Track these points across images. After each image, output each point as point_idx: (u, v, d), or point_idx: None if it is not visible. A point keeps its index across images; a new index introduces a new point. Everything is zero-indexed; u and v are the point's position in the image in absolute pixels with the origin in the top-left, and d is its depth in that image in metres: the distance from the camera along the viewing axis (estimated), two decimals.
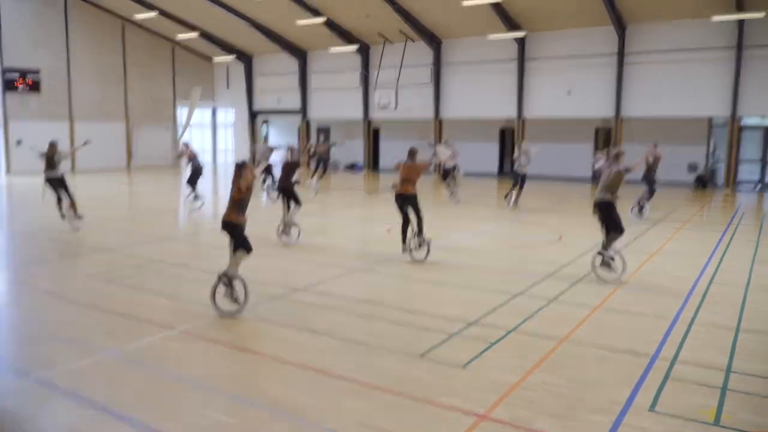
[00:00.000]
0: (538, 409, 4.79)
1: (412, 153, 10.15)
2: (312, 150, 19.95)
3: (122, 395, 5.05)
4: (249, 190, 7.05)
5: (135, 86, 30.31)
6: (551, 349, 6.01)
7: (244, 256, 7.08)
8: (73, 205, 12.35)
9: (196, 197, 15.31)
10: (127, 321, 6.88)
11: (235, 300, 7.01)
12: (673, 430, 4.45)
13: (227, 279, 7.01)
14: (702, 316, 7.09)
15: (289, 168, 11.32)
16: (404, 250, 9.90)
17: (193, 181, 15.16)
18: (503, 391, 5.09)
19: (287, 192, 11.25)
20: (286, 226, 11.21)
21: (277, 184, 11.58)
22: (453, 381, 5.31)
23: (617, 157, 8.87)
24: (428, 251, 9.83)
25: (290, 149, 11.67)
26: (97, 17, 28.44)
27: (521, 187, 15.84)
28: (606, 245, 8.78)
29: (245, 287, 7.05)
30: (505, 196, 16.30)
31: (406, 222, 9.97)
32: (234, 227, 7.06)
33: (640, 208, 14.19)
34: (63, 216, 12.36)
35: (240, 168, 6.98)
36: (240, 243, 7.04)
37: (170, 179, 24.67)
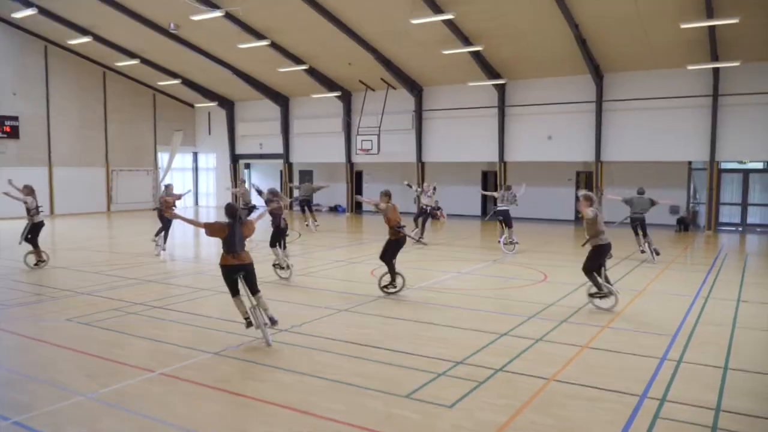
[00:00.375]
0: None
1: (389, 194, 10.55)
2: (294, 193, 20.16)
3: None
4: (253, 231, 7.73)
5: (116, 132, 30.32)
6: (539, 389, 5.93)
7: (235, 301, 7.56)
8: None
9: (158, 244, 15.00)
10: (106, 364, 6.69)
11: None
12: None
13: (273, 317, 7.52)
14: (689, 355, 7.07)
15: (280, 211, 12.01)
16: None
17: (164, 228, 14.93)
18: (492, 431, 4.98)
19: (283, 234, 12.20)
20: (283, 266, 11.85)
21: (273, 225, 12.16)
22: (440, 421, 5.20)
23: (586, 199, 9.20)
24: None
25: (275, 195, 12.18)
26: (77, 65, 28.60)
27: (510, 226, 15.72)
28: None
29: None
30: (502, 243, 15.89)
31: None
32: (252, 268, 7.48)
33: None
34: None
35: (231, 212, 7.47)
36: (256, 283, 7.50)
37: (150, 223, 24.40)
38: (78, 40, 25.04)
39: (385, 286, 10.36)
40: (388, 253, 10.28)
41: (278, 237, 11.99)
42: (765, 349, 7.39)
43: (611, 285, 9.36)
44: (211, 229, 7.45)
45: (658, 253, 14.35)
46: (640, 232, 14.45)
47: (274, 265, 11.95)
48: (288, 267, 11.81)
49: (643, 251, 14.62)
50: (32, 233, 12.90)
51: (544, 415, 5.33)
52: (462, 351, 7.12)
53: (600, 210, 9.49)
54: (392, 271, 10.30)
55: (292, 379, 6.23)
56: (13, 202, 12.96)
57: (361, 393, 5.83)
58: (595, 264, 9.24)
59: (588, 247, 9.40)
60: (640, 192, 14.62)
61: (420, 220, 17.57)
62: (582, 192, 9.46)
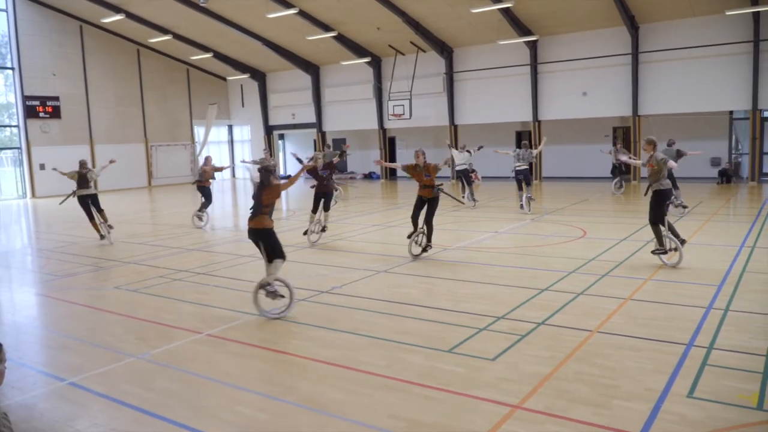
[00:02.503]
0: (573, 398, 4.68)
1: (422, 153, 10.41)
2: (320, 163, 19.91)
3: (154, 396, 5.06)
4: (279, 196, 7.24)
5: (152, 108, 30.82)
6: (583, 341, 5.90)
7: (281, 264, 7.19)
8: (104, 218, 13.04)
9: (201, 216, 15.17)
10: (155, 327, 6.91)
11: (281, 296, 7.07)
12: (714, 415, 4.32)
13: (270, 287, 7.08)
14: (736, 303, 6.93)
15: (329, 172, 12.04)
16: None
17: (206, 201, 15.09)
18: (536, 382, 4.99)
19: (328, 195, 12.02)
20: (315, 230, 11.92)
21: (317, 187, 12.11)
22: (484, 374, 5.23)
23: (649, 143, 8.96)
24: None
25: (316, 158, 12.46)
26: (112, 44, 28.99)
27: (528, 184, 15.42)
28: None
29: (288, 286, 7.11)
30: (521, 207, 15.58)
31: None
32: (268, 234, 7.13)
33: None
34: (102, 235, 12.97)
35: (268, 174, 7.16)
36: (276, 251, 7.13)
37: (190, 196, 24.88)
38: (111, 18, 25.30)
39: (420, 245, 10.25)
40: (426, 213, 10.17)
41: (317, 200, 12.00)
42: None
43: (678, 238, 8.82)
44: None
45: (685, 206, 14.10)
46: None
47: (304, 233, 12.03)
48: (322, 231, 11.96)
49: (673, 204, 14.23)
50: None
51: (589, 365, 5.31)
52: (502, 306, 7.12)
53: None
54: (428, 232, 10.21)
55: (333, 337, 6.34)
56: (54, 180, 13.29)
57: (403, 349, 5.89)
58: (659, 212, 8.79)
59: (649, 197, 9.02)
60: (669, 144, 14.29)
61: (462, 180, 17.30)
62: (646, 138, 9.11)
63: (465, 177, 17.04)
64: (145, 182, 30.48)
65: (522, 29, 23.02)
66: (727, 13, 19.15)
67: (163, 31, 27.27)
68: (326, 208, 12.02)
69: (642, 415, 4.36)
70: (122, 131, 29.49)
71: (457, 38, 25.40)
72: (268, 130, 33.30)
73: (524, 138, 26.75)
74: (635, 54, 22.12)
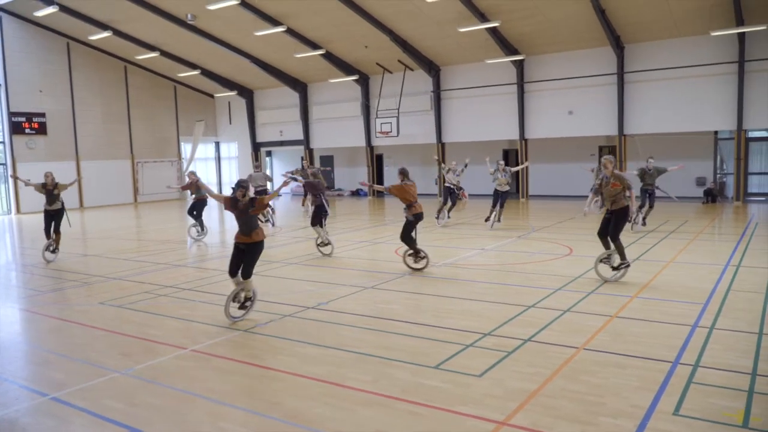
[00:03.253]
0: (559, 414, 4.67)
1: (404, 173, 10.53)
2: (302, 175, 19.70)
3: (137, 411, 4.99)
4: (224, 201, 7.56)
5: (139, 124, 30.74)
6: (569, 357, 5.90)
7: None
8: (57, 241, 12.82)
9: (200, 228, 15.33)
10: (139, 342, 6.82)
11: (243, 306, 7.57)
12: None
13: (248, 300, 7.58)
14: (722, 322, 6.97)
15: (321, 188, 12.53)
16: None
17: (198, 211, 15.19)
18: (522, 398, 4.98)
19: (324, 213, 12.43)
20: (326, 242, 12.45)
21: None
22: (470, 390, 5.20)
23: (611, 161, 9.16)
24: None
25: (313, 173, 13.08)
26: (99, 60, 28.92)
27: (502, 206, 15.68)
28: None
29: (254, 293, 7.58)
30: (486, 219, 15.89)
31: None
32: (259, 247, 7.47)
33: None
34: (48, 247, 12.71)
35: (244, 191, 7.46)
36: (252, 266, 7.51)
37: (176, 212, 24.76)
38: (98, 36, 25.30)
39: (411, 257, 10.43)
40: (405, 233, 10.28)
41: (319, 216, 12.29)
42: None
43: (622, 259, 9.15)
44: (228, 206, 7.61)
45: (644, 224, 14.82)
46: (647, 203, 14.80)
47: (318, 245, 12.50)
48: (329, 243, 12.41)
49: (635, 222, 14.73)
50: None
51: (575, 382, 5.30)
52: (489, 323, 7.11)
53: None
54: (414, 249, 10.32)
55: (319, 353, 6.29)
56: (36, 197, 13.09)
57: (389, 364, 5.86)
58: (621, 228, 9.08)
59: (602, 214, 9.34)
60: (648, 160, 14.91)
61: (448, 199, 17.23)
62: (606, 157, 9.28)
63: (451, 195, 16.91)
64: (131, 198, 30.30)
65: (509, 48, 23.29)
66: (713, 34, 19.49)
67: (151, 48, 27.29)
68: (322, 224, 12.40)
69: None
70: (109, 148, 29.36)
71: (445, 57, 25.64)
72: (256, 147, 33.29)
73: (511, 156, 26.99)
74: (621, 74, 22.43)
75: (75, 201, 27.24)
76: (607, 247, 9.22)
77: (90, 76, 28.61)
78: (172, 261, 12.41)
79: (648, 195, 14.91)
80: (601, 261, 9.24)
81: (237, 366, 6.00)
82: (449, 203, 16.80)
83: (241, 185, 7.39)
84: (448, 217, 16.96)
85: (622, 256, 9.12)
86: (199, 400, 5.17)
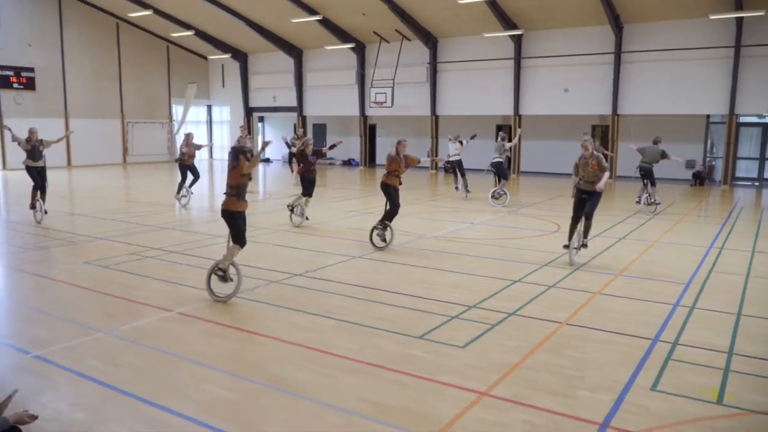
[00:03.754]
0: (540, 387, 4.75)
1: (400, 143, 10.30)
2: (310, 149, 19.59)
3: (120, 371, 5.01)
4: (245, 176, 6.86)
5: (130, 84, 30.25)
6: (552, 332, 5.98)
7: (236, 251, 6.92)
8: (43, 199, 12.36)
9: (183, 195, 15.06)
10: (124, 303, 6.83)
11: (229, 280, 6.86)
12: (676, 408, 4.41)
13: (221, 271, 6.85)
14: (703, 302, 7.07)
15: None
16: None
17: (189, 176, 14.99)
18: (504, 370, 5.05)
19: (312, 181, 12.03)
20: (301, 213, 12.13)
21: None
22: (453, 360, 5.27)
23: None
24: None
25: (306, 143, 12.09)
26: (91, 16, 28.30)
27: (504, 177, 15.56)
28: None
29: (238, 272, 6.93)
30: (491, 194, 15.79)
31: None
32: (229, 215, 6.88)
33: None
34: (33, 205, 12.33)
35: (236, 154, 6.84)
36: (235, 236, 6.89)
37: (166, 174, 24.58)
38: None
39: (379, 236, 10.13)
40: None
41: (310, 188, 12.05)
42: None
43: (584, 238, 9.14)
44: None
45: (658, 203, 14.50)
46: (648, 182, 14.33)
47: (294, 212, 12.10)
48: (304, 216, 12.10)
49: (638, 201, 14.77)
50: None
51: (557, 356, 5.38)
52: (475, 296, 7.17)
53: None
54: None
55: (305, 319, 6.33)
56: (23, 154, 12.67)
57: (375, 333, 5.91)
58: (596, 206, 9.03)
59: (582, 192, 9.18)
60: (655, 141, 14.46)
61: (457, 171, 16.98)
62: (587, 137, 9.17)
63: (459, 167, 16.69)
64: (120, 159, 29.99)
65: (507, 23, 23.04)
66: (711, 17, 19.35)
67: (144, 5, 26.70)
68: (309, 194, 12.01)
69: (606, 406, 4.44)
70: (98, 106, 28.90)
71: (443, 28, 25.34)
72: (248, 111, 32.96)
73: (503, 131, 26.90)
74: (618, 53, 22.29)
75: (63, 159, 26.95)
76: (573, 232, 9.07)
77: (81, 31, 28.02)
78: (159, 223, 12.35)
79: (644, 173, 14.41)
80: (574, 248, 9.06)
81: (222, 330, 6.02)
82: (460, 177, 16.69)
83: (246, 150, 6.89)
84: (467, 191, 16.71)
85: (586, 234, 9.06)
86: (183, 362, 5.20)
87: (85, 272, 8.26)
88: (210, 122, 35.33)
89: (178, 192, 15.06)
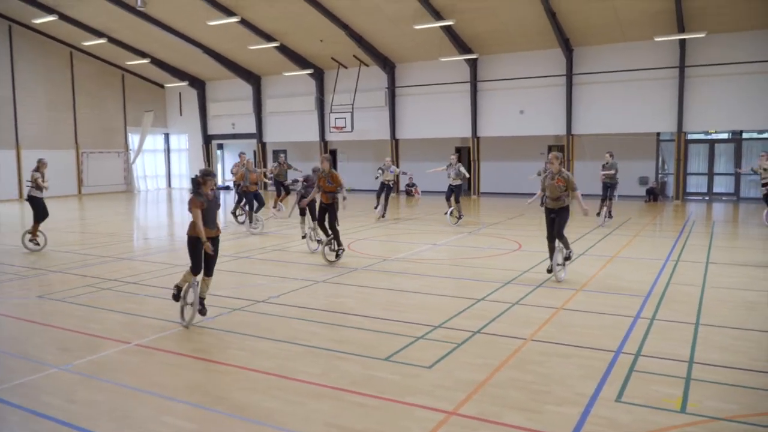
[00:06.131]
0: (507, 403, 4.75)
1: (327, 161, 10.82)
2: (272, 173, 19.58)
3: (77, 407, 4.81)
4: (200, 206, 6.69)
5: (85, 113, 29.68)
6: (517, 348, 6.00)
7: (188, 275, 6.88)
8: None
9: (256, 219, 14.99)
10: (80, 337, 6.59)
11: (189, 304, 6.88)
12: (641, 419, 4.46)
13: (176, 290, 6.93)
14: (662, 313, 7.22)
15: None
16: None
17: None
18: (471, 388, 5.04)
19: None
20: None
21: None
22: (419, 381, 5.23)
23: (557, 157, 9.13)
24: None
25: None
26: (43, 45, 27.77)
27: (456, 201, 15.71)
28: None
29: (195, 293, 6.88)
30: (449, 214, 15.85)
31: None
32: (190, 241, 6.85)
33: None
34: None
35: (197, 183, 6.76)
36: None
37: (122, 204, 24.06)
38: (43, 19, 24.23)
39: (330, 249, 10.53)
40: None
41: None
42: (733, 306, 7.57)
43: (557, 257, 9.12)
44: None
45: (610, 217, 15.67)
46: (609, 195, 15.63)
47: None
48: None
49: (598, 214, 15.53)
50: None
51: (522, 371, 5.40)
52: (439, 316, 7.17)
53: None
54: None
55: (269, 346, 6.21)
56: None
57: (339, 357, 5.84)
58: (566, 223, 9.08)
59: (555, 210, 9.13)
60: (611, 155, 15.86)
61: (382, 195, 17.20)
62: (554, 153, 9.13)
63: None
64: (74, 190, 29.23)
65: (463, 47, 23.51)
66: (656, 39, 20.13)
67: (98, 34, 26.33)
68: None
69: (572, 419, 4.46)
70: (52, 137, 28.21)
71: (400, 54, 25.69)
72: (207, 139, 32.65)
73: (463, 153, 27.30)
74: (569, 75, 22.94)
75: (14, 192, 26.14)
76: (553, 251, 9.08)
77: (34, 61, 27.44)
78: (116, 254, 12.05)
79: (606, 188, 15.68)
80: (558, 264, 9.07)
81: (183, 360, 5.87)
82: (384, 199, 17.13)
83: (212, 174, 6.88)
84: (383, 215, 17.10)
85: (567, 246, 9.18)
86: (143, 395, 5.03)
87: (39, 306, 7.97)
88: (168, 151, 34.80)
89: (251, 221, 14.93)
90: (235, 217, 16.00)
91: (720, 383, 5.10)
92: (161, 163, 34.40)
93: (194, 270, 6.85)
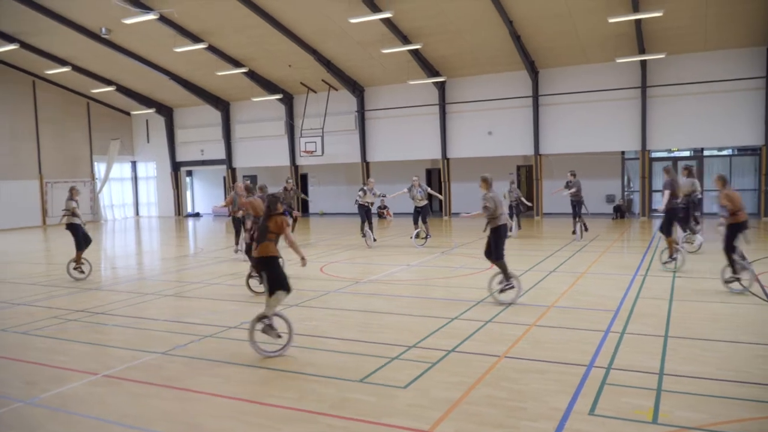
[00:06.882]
0: (483, 420, 4.75)
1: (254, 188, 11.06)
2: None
3: None
4: (285, 227, 6.92)
5: (49, 142, 29.19)
6: (491, 366, 6.02)
7: (283, 297, 6.76)
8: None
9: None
10: (46, 370, 6.41)
11: (278, 336, 6.64)
12: (614, 430, 4.50)
13: (268, 320, 6.66)
14: (632, 326, 7.32)
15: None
16: None
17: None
18: (446, 407, 5.03)
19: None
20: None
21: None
22: (395, 401, 5.20)
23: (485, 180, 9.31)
24: None
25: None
26: (4, 74, 27.33)
27: (424, 221, 15.69)
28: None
29: (288, 322, 6.70)
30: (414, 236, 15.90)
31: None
32: (272, 262, 6.76)
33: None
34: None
35: (276, 203, 6.91)
36: (280, 282, 6.69)
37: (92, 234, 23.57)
38: (4, 48, 23.91)
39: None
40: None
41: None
42: (701, 317, 7.72)
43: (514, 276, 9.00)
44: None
45: (586, 230, 16.32)
46: (579, 212, 16.15)
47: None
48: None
49: (573, 232, 16.18)
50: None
51: (497, 388, 5.41)
52: (413, 336, 7.16)
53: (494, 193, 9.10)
54: None
55: (242, 372, 6.13)
56: None
57: (314, 380, 5.78)
58: (502, 247, 8.92)
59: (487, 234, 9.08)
60: (573, 174, 16.29)
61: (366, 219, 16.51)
62: (482, 176, 9.25)
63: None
64: (38, 221, 28.59)
65: (430, 70, 23.86)
66: (618, 61, 20.73)
67: (62, 62, 26.05)
68: None
69: None
70: (15, 167, 27.65)
71: (369, 77, 25.95)
72: (176, 166, 32.37)
73: (433, 175, 27.55)
74: (536, 96, 23.43)
75: None
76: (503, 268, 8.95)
77: None
78: (82, 285, 11.79)
79: (575, 205, 16.16)
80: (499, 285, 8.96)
81: (153, 389, 5.74)
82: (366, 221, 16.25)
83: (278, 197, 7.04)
84: (374, 239, 16.47)
85: (506, 276, 8.90)
86: (112, 426, 4.91)
87: (2, 340, 7.74)
88: (135, 179, 34.36)
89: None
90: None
91: (690, 393, 5.18)
92: (128, 191, 33.93)
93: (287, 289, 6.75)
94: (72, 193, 12.53)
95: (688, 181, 13.09)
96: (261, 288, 9.61)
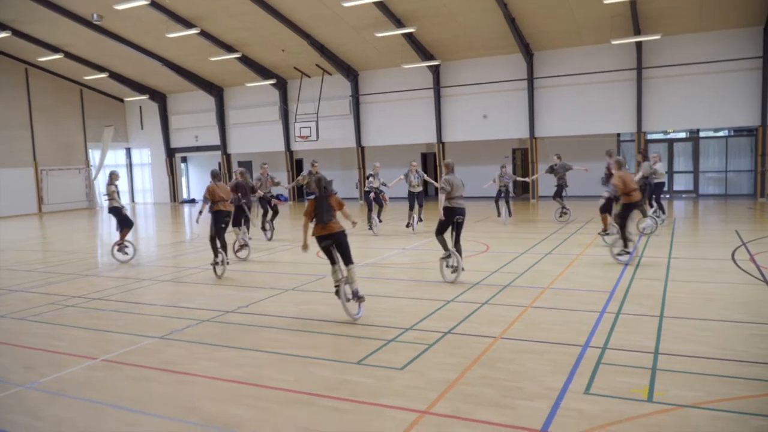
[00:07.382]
0: (479, 400, 4.79)
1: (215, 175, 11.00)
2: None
3: (44, 424, 4.70)
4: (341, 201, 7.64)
5: (42, 130, 29.03)
6: (487, 347, 6.07)
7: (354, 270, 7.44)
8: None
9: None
10: (45, 354, 6.44)
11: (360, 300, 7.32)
12: (609, 409, 4.55)
13: (356, 290, 7.31)
14: (627, 307, 7.37)
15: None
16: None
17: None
18: (443, 387, 5.07)
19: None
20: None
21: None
22: (392, 382, 5.24)
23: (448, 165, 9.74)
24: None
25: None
26: None
27: (420, 205, 15.74)
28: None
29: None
30: (407, 225, 15.84)
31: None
32: (345, 235, 7.47)
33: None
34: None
35: (331, 184, 7.73)
36: (350, 254, 7.44)
37: (84, 221, 23.54)
38: None
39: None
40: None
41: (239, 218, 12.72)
42: (696, 298, 7.78)
43: (460, 255, 9.35)
44: (308, 212, 7.51)
45: (566, 212, 16.74)
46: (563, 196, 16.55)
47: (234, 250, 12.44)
48: (246, 246, 12.57)
49: (564, 213, 16.69)
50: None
51: (493, 369, 5.45)
52: (410, 318, 7.20)
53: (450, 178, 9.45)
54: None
55: (240, 355, 6.16)
56: None
57: (312, 363, 5.82)
58: (445, 226, 9.40)
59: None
60: (559, 157, 16.56)
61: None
62: (445, 161, 9.73)
63: (375, 199, 16.05)
64: (34, 209, 28.52)
65: (425, 54, 23.74)
66: (613, 42, 20.64)
67: (54, 49, 25.83)
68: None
69: (543, 413, 4.52)
70: (9, 155, 27.52)
71: (363, 61, 25.81)
72: (170, 152, 32.25)
73: (429, 159, 27.51)
74: (531, 79, 23.36)
75: None
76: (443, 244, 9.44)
77: None
78: (79, 271, 11.79)
79: (558, 188, 16.47)
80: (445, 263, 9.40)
81: (152, 373, 5.77)
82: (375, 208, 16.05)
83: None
84: (380, 221, 16.17)
85: (445, 250, 9.46)
86: (111, 409, 4.94)
87: (1, 326, 7.75)
88: (130, 165, 34.26)
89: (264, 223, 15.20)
90: (264, 230, 15.41)
91: (684, 372, 5.23)
92: (123, 178, 33.81)
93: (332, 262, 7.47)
94: (112, 178, 12.56)
95: (646, 164, 14.35)
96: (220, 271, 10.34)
